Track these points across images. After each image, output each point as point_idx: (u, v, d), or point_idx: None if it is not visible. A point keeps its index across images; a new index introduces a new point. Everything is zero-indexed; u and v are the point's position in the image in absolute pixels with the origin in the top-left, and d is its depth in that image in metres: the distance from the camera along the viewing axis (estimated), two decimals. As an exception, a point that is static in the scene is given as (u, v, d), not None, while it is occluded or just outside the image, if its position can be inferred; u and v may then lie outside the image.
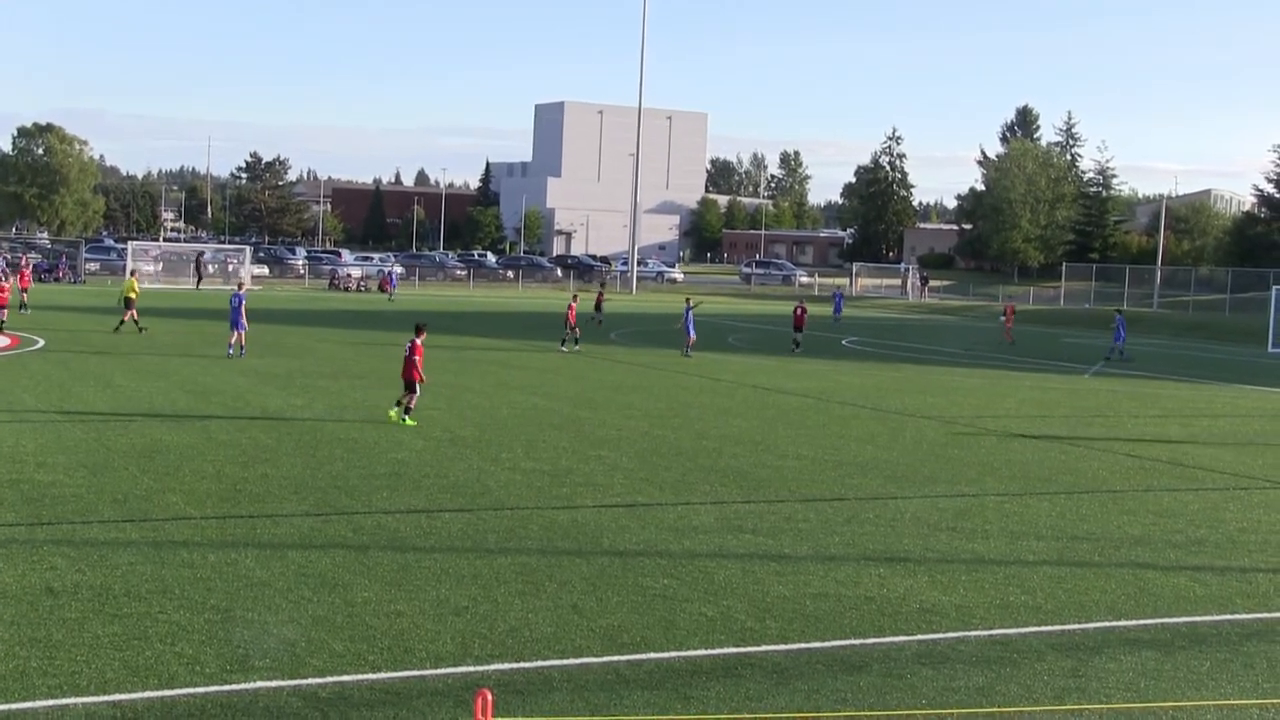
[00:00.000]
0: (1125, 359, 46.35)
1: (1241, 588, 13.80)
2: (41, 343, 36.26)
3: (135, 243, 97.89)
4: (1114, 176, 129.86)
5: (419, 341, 23.13)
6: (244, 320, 34.71)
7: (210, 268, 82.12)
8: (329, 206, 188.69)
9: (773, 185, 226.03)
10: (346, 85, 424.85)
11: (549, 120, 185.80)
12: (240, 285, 39.87)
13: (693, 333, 40.71)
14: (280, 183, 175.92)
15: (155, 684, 9.43)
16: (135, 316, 41.06)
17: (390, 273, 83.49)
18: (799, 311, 45.93)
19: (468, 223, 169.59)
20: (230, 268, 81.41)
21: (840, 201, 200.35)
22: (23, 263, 65.25)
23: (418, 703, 9.35)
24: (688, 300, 43.08)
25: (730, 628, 11.46)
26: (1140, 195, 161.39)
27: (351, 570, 12.82)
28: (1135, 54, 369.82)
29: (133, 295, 41.49)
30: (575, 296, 43.92)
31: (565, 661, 10.35)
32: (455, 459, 19.59)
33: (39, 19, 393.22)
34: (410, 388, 22.95)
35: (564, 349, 40.55)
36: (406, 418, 22.78)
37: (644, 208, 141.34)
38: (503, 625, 11.20)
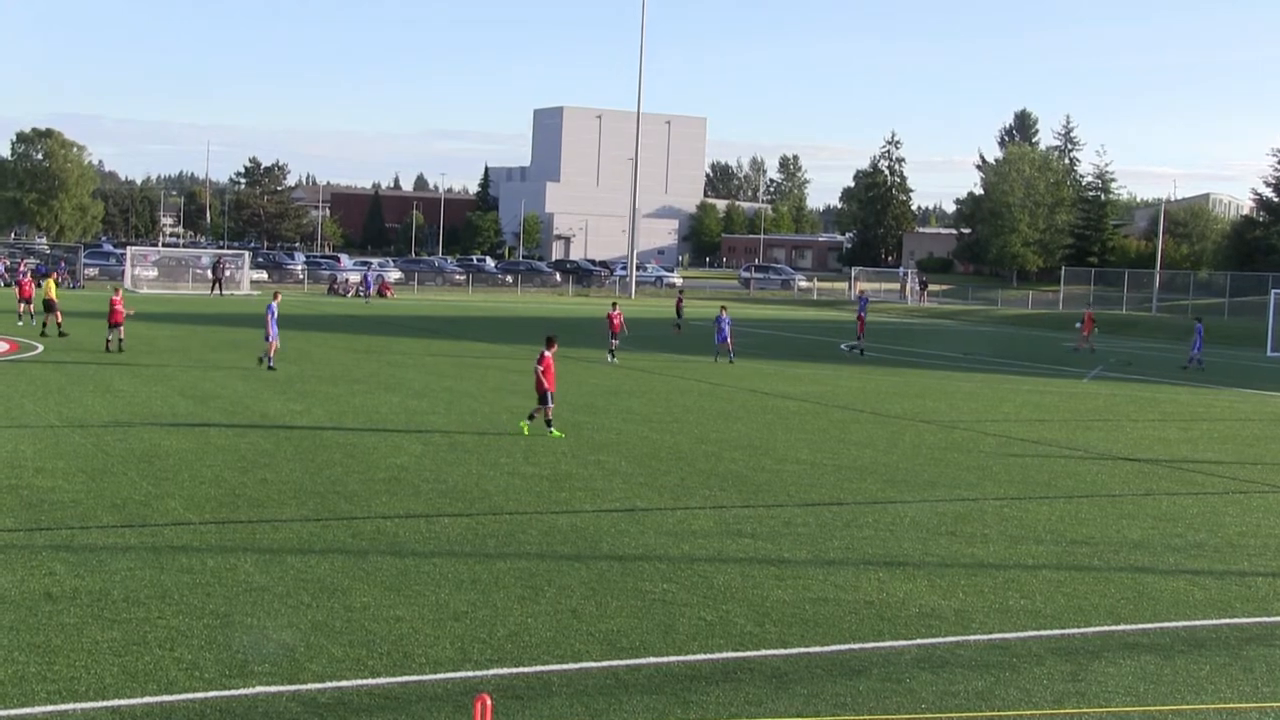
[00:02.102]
0: (1196, 366, 45.97)
1: (1241, 592, 13.81)
2: (40, 348, 36.26)
3: (134, 248, 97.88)
4: (1112, 180, 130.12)
5: (549, 354, 23.08)
6: (273, 329, 32.70)
7: (227, 270, 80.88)
8: (328, 211, 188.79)
9: (771, 189, 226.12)
10: (345, 90, 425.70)
11: (548, 125, 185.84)
12: (275, 295, 36.19)
13: (728, 338, 40.61)
14: (279, 188, 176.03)
15: (154, 689, 9.43)
16: (59, 320, 40.27)
17: (367, 276, 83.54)
18: (861, 317, 49.36)
19: (467, 227, 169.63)
20: (227, 273, 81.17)
21: (839, 206, 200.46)
22: (20, 269, 65.17)
23: (417, 708, 9.34)
24: (722, 307, 42.73)
25: (729, 632, 11.45)
26: (1139, 199, 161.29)
27: (350, 575, 12.81)
28: (1133, 58, 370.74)
29: (53, 298, 40.63)
30: (615, 304, 43.07)
31: (564, 666, 10.35)
32: (454, 464, 19.59)
33: (36, 23, 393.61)
34: (543, 399, 23.00)
35: (611, 360, 38.90)
36: (551, 429, 22.86)
37: (643, 212, 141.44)
38: (502, 630, 11.20)
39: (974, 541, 15.65)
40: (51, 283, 42.35)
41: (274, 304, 33.58)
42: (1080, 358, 49.81)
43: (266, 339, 32.78)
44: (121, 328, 36.62)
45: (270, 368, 32.47)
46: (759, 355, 44.81)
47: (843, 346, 50.55)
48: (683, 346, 46.12)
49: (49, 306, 40.63)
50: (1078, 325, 57.54)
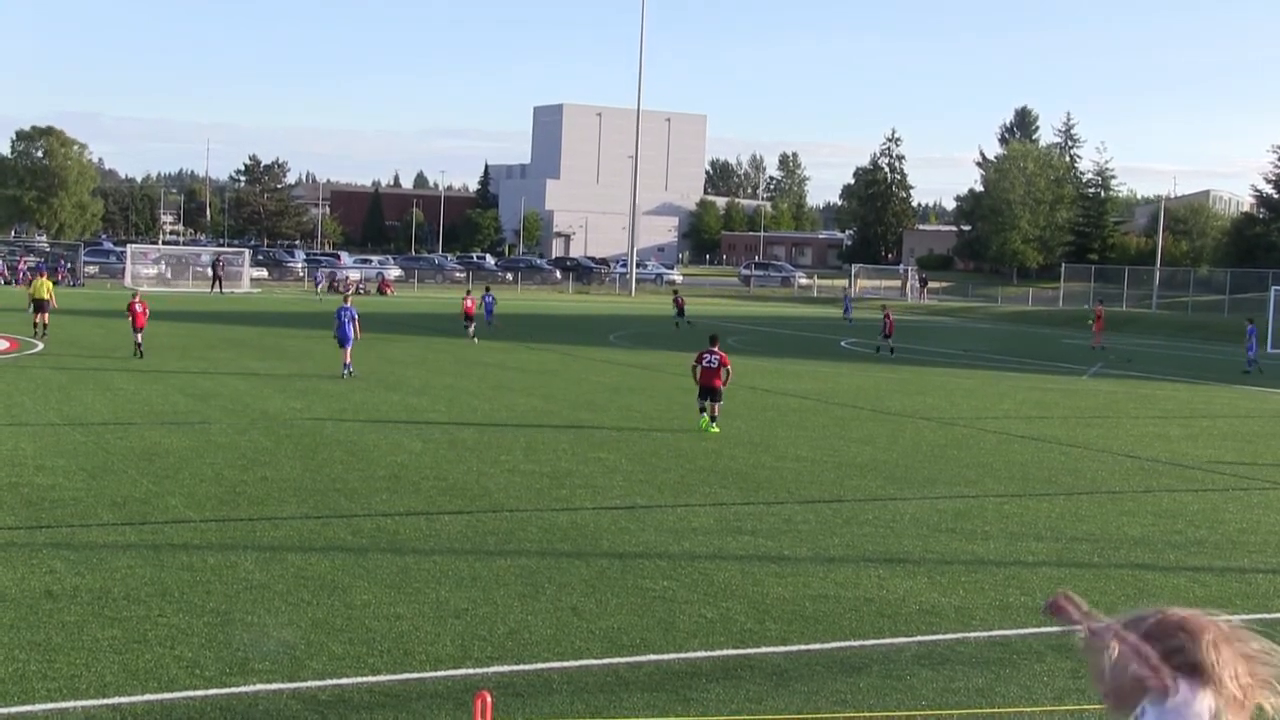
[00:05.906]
0: (1255, 369, 44.43)
1: (1241, 589, 13.80)
2: (40, 346, 36.25)
3: (134, 245, 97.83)
4: (1113, 177, 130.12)
5: (718, 350, 24.06)
6: (354, 332, 31.12)
7: (227, 268, 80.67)
8: (328, 209, 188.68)
9: (771, 187, 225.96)
10: (345, 88, 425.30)
11: (548, 122, 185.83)
12: (346, 298, 33.87)
13: (489, 318, 45.41)
14: (279, 186, 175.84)
15: (154, 687, 9.42)
16: (45, 320, 38.67)
17: (331, 273, 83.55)
18: (888, 318, 46.68)
19: (466, 225, 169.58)
20: (230, 272, 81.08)
21: (839, 203, 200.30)
22: (19, 266, 65.03)
23: (417, 705, 9.34)
24: (487, 288, 48.76)
25: (730, 629, 11.45)
26: (1139, 196, 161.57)
27: (351, 573, 12.81)
28: (1134, 55, 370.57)
29: (47, 297, 39.05)
30: (468, 293, 48.34)
31: (565, 664, 10.34)
32: (454, 461, 19.58)
33: (34, 21, 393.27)
34: (715, 395, 23.56)
35: (474, 341, 43.60)
36: (714, 425, 23.51)
37: (643, 209, 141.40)
38: (502, 627, 11.20)
39: (974, 538, 15.64)
40: (46, 281, 40.78)
41: (350, 306, 31.58)
42: (1097, 354, 49.04)
43: (346, 343, 30.94)
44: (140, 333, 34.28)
45: (344, 375, 30.74)
46: (759, 352, 44.79)
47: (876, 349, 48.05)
48: (685, 344, 46.08)
49: (40, 306, 39.01)
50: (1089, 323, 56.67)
